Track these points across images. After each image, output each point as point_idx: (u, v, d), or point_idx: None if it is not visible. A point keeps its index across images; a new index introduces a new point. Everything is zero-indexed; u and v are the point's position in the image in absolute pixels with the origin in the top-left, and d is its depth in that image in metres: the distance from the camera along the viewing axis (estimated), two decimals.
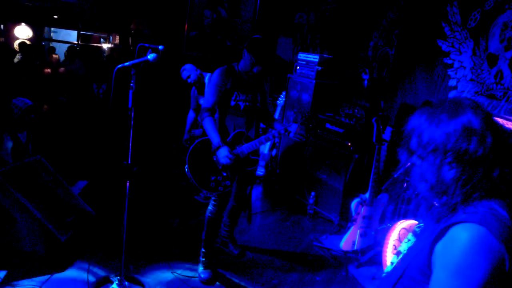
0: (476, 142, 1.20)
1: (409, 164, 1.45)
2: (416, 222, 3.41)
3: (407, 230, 3.48)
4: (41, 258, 3.34)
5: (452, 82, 4.85)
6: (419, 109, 1.35)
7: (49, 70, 7.75)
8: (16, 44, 8.82)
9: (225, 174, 3.38)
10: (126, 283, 3.11)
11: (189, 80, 4.74)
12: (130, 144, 3.04)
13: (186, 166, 3.32)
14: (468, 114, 1.24)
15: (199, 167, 3.35)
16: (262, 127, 4.34)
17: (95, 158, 5.50)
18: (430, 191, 1.30)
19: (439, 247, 1.19)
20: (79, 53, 8.22)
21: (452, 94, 4.84)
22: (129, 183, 3.10)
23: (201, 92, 4.80)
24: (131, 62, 2.92)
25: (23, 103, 3.99)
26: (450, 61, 4.86)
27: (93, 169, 5.07)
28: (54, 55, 8.28)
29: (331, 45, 6.45)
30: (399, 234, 3.55)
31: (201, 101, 4.85)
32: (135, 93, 3.00)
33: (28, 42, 8.56)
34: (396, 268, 1.40)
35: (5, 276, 3.11)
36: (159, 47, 3.51)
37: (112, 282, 3.15)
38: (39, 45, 9.37)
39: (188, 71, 4.75)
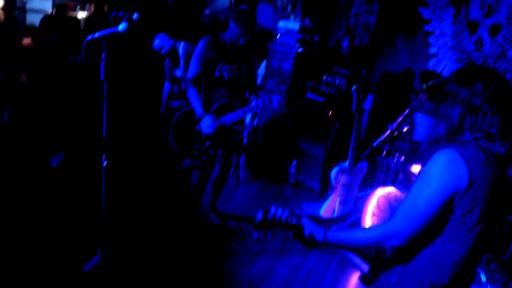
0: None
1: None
2: (395, 189, 3.46)
3: (385, 198, 3.53)
4: None
5: (433, 50, 4.83)
6: None
7: (28, 41, 7.49)
8: None
9: (208, 143, 3.43)
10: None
11: (162, 52, 4.61)
12: (104, 118, 2.98)
13: (170, 135, 3.36)
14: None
15: (183, 136, 3.40)
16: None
17: (74, 131, 5.40)
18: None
19: (427, 164, 1.47)
20: (54, 23, 7.94)
21: (432, 62, 4.83)
22: (106, 155, 3.06)
23: (175, 63, 4.69)
24: (101, 33, 2.83)
25: None
26: (431, 28, 4.83)
27: (71, 142, 4.98)
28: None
29: (312, 13, 6.33)
30: (377, 201, 3.60)
31: (176, 73, 4.75)
32: (108, 65, 2.91)
33: (1, 12, 8.24)
34: None
35: None
36: (133, 16, 3.40)
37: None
38: (12, 14, 9.02)
39: (161, 41, 4.60)
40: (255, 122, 5.62)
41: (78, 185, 3.94)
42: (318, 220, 4.09)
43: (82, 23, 9.53)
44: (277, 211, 1.65)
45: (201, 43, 3.38)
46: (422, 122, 4.87)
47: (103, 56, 2.90)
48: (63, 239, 3.33)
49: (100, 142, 3.06)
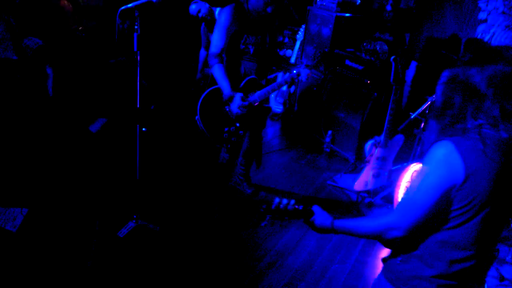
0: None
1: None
2: None
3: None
4: None
5: (483, 15, 4.52)
6: None
7: (65, 2, 7.61)
8: None
9: (238, 124, 3.30)
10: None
11: (200, 15, 4.53)
12: (138, 88, 3.02)
13: (198, 116, 3.23)
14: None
15: (211, 117, 3.24)
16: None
17: (116, 96, 5.53)
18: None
19: (425, 156, 1.47)
20: None
21: (481, 27, 4.54)
22: (144, 123, 3.12)
23: (211, 29, 4.63)
24: (134, 3, 2.83)
25: (33, 43, 3.98)
26: None
27: (113, 107, 5.12)
28: None
29: None
30: (412, 176, 3.52)
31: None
32: (141, 36, 2.92)
33: None
34: None
35: None
36: None
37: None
38: None
39: (198, 5, 4.55)
40: (292, 89, 5.55)
41: (118, 151, 4.07)
42: (348, 194, 4.07)
43: None
44: (282, 201, 1.70)
45: (224, 13, 3.16)
46: None
47: (136, 26, 2.91)
48: (102, 203, 3.50)
49: (136, 111, 3.11)
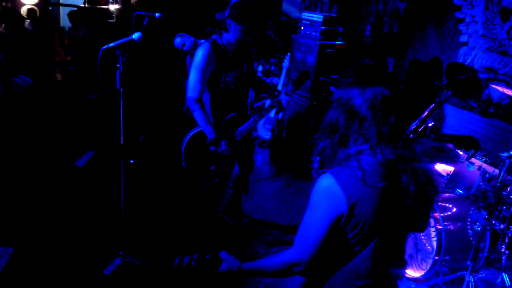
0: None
1: None
2: None
3: None
4: None
5: (463, 38, 4.61)
6: None
7: (55, 34, 7.70)
8: (24, 11, 8.74)
9: (224, 162, 3.31)
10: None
11: (184, 48, 4.61)
12: (122, 124, 3.03)
13: (182, 159, 3.25)
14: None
15: (196, 158, 3.25)
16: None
17: (104, 128, 5.55)
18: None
19: (312, 190, 1.49)
20: (84, 17, 8.10)
21: (463, 50, 4.62)
22: (131, 154, 3.12)
23: None
24: (116, 42, 2.87)
25: (23, 82, 4.01)
26: (461, 15, 4.61)
27: (100, 140, 5.13)
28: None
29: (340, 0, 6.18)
30: None
31: None
32: (123, 74, 2.94)
33: (36, 8, 8.47)
34: None
35: None
36: (156, 14, 3.42)
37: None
38: (47, 10, 9.27)
39: (183, 39, 4.62)
40: (280, 115, 5.59)
41: (104, 185, 4.06)
42: None
43: (114, 15, 9.69)
44: (184, 259, 1.70)
45: (200, 54, 3.06)
46: (453, 114, 4.69)
47: (118, 65, 2.95)
48: (88, 239, 3.46)
49: (120, 147, 3.12)
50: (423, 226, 1.56)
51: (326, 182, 1.42)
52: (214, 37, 3.16)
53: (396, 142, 1.43)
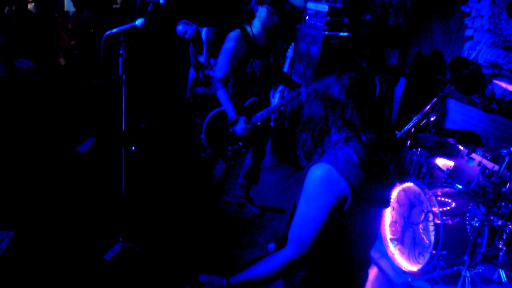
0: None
1: None
2: (413, 184, 3.37)
3: (405, 192, 3.45)
4: None
5: (469, 32, 4.58)
6: None
7: (59, 20, 7.65)
8: None
9: (241, 143, 3.39)
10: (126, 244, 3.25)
11: (186, 36, 4.59)
12: (123, 111, 3.04)
13: (203, 135, 3.35)
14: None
15: (215, 136, 3.37)
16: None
17: (104, 116, 5.55)
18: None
19: (305, 182, 1.47)
20: (86, 1, 8.02)
21: (468, 44, 4.59)
22: (133, 141, 3.15)
23: (198, 50, 4.67)
24: (119, 28, 2.86)
25: (26, 66, 4.01)
26: (467, 9, 4.57)
27: (102, 126, 5.13)
28: None
29: None
30: (397, 195, 3.53)
31: (200, 59, 4.73)
32: (126, 60, 2.94)
33: None
34: (286, 213, 1.68)
35: None
36: (160, 0, 3.39)
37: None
38: None
39: (185, 26, 4.59)
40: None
41: (105, 171, 4.07)
42: None
43: (118, 1, 9.61)
44: None
45: (230, 39, 3.20)
46: (456, 109, 4.68)
47: (121, 51, 2.94)
48: (88, 225, 3.49)
49: (122, 134, 3.13)
50: (389, 202, 1.58)
51: (322, 171, 1.40)
52: (244, 25, 3.29)
53: (377, 125, 1.48)
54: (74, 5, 8.15)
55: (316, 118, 1.51)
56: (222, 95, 3.23)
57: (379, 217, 1.61)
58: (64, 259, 3.13)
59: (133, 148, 3.28)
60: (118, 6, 9.61)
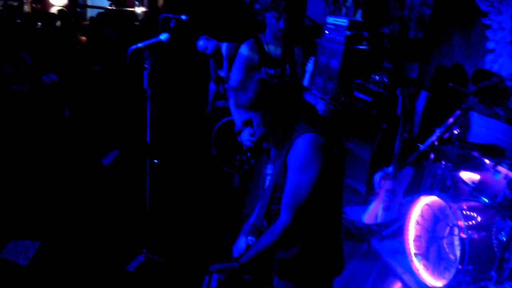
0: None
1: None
2: (438, 198, 3.33)
3: (430, 206, 3.41)
4: None
5: (490, 45, 4.54)
6: None
7: (85, 38, 7.85)
8: (55, 11, 8.94)
9: (249, 154, 3.36)
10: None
11: (207, 52, 4.66)
12: (148, 124, 3.09)
13: (212, 146, 3.36)
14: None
15: (224, 147, 3.38)
16: None
17: (129, 128, 5.63)
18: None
19: (289, 156, 1.68)
20: (109, 19, 8.22)
21: (489, 57, 4.55)
22: (155, 155, 3.19)
23: (219, 64, 4.72)
24: (144, 43, 2.92)
25: (48, 79, 4.11)
26: (488, 22, 4.54)
27: (125, 140, 5.21)
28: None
29: (365, 4, 6.15)
30: (421, 210, 3.49)
31: (221, 73, 4.79)
32: (151, 74, 3.00)
33: (65, 9, 8.66)
34: (266, 191, 1.85)
35: None
36: (182, 17, 3.47)
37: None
38: (75, 11, 9.48)
39: (205, 42, 4.66)
40: None
41: (129, 184, 4.13)
42: (359, 228, 4.03)
43: (140, 18, 9.84)
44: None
45: (243, 48, 3.25)
46: (479, 122, 4.63)
47: (146, 65, 3.01)
48: (112, 236, 3.53)
49: (146, 145, 3.18)
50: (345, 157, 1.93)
51: (307, 139, 1.65)
52: (259, 35, 3.31)
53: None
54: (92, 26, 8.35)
55: (268, 124, 1.77)
56: (232, 104, 3.21)
57: (342, 176, 1.86)
58: (88, 270, 3.17)
59: (155, 161, 3.31)
60: (138, 23, 9.83)
